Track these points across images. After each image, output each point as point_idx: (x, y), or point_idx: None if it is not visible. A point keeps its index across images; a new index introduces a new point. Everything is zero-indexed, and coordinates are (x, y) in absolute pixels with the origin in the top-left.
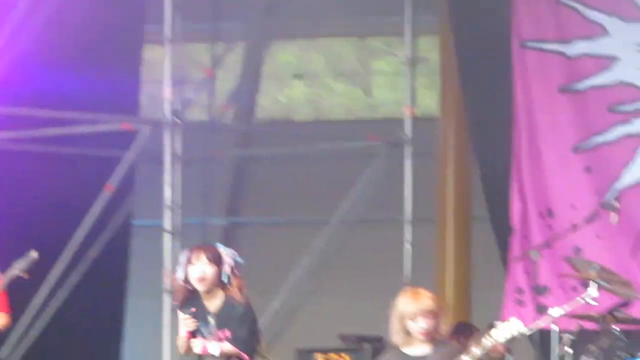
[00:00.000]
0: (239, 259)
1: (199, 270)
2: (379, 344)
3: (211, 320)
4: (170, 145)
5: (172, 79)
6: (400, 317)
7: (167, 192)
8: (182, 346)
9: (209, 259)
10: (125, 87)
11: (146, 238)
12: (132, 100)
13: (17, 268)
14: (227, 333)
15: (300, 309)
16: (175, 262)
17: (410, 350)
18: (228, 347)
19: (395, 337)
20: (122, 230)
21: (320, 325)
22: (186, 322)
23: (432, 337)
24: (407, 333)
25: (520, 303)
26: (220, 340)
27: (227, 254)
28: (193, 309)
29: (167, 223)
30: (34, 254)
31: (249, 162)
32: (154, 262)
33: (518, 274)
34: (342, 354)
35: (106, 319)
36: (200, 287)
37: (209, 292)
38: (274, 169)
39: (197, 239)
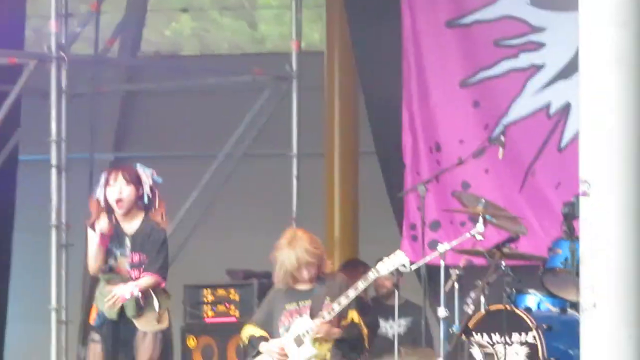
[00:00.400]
0: (158, 178)
1: (116, 191)
2: (267, 279)
3: (127, 242)
4: (56, 79)
5: (58, 13)
6: (284, 269)
7: (53, 127)
8: (92, 265)
9: (127, 179)
10: (11, 21)
11: (33, 173)
12: (17, 34)
13: None
14: (143, 257)
15: (187, 244)
16: (61, 197)
17: (296, 285)
18: (145, 281)
19: (280, 282)
20: (8, 165)
21: (208, 261)
22: (99, 225)
23: (316, 279)
24: (292, 278)
25: (414, 238)
26: (133, 262)
27: (147, 174)
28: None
29: (53, 158)
30: None
31: (135, 97)
32: (41, 197)
33: (411, 209)
34: (230, 290)
35: None
36: (118, 209)
37: (128, 214)
38: (161, 104)
39: (83, 174)
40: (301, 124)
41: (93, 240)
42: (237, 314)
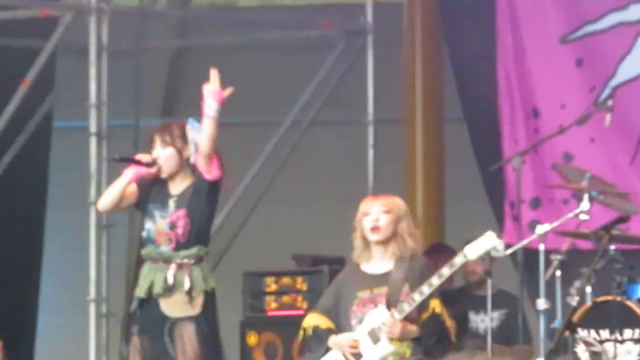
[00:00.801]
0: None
1: (155, 155)
2: (340, 265)
3: (170, 203)
4: (95, 34)
5: None
6: (358, 220)
7: (93, 89)
8: (105, 200)
9: (166, 142)
10: None
11: (68, 142)
12: None
13: None
14: (182, 212)
15: (247, 225)
16: (101, 170)
17: (369, 266)
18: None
19: (355, 250)
20: (41, 132)
21: (272, 243)
22: (141, 157)
23: (383, 235)
24: (367, 246)
25: (516, 219)
26: (171, 221)
27: (195, 130)
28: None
29: (92, 125)
30: None
31: (185, 54)
32: (78, 170)
33: (510, 185)
34: (297, 278)
35: (23, 233)
36: (161, 175)
37: (173, 177)
38: (215, 62)
39: (127, 143)
40: (377, 86)
41: (126, 174)
42: (304, 306)
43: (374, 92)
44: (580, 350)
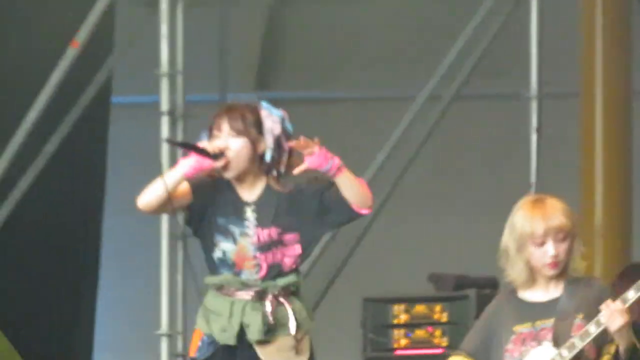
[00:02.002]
0: (288, 125)
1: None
2: (492, 289)
3: (248, 213)
4: None
5: None
6: (519, 242)
7: (164, 53)
8: (145, 197)
9: (236, 130)
10: None
11: (132, 120)
12: None
13: None
14: (277, 231)
15: (367, 235)
16: (174, 153)
17: (531, 293)
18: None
19: (511, 273)
20: (97, 108)
21: (401, 259)
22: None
23: (564, 270)
24: (529, 267)
25: None
26: (260, 242)
27: (274, 119)
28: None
29: (164, 101)
30: None
31: (284, 10)
32: (143, 152)
33: None
34: (434, 306)
35: (81, 220)
36: (226, 174)
37: (242, 179)
38: (321, 18)
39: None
40: (542, 52)
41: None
42: (444, 342)
43: (539, 60)
44: None
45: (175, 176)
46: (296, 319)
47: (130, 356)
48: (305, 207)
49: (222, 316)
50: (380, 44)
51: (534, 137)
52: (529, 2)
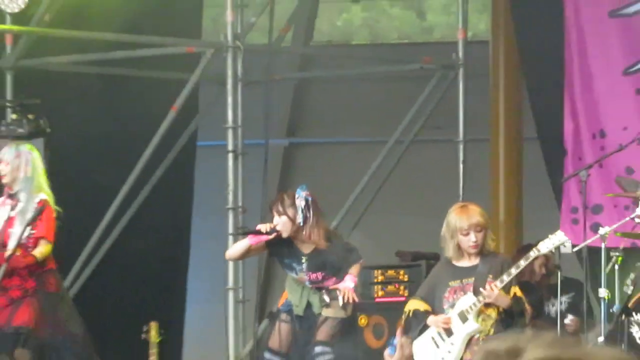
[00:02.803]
0: (307, 197)
1: (275, 222)
2: (435, 261)
3: (303, 260)
4: (232, 67)
5: (234, 3)
6: (452, 232)
7: (230, 114)
8: (232, 253)
9: (278, 212)
10: (189, 11)
11: (210, 158)
12: (195, 24)
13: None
14: (321, 275)
15: (359, 227)
16: (237, 181)
17: (460, 262)
18: (357, 270)
19: (447, 251)
20: (187, 150)
21: (379, 243)
22: (261, 227)
23: (481, 249)
24: (458, 247)
25: (575, 222)
26: (311, 279)
27: (301, 197)
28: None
29: (230, 143)
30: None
31: (307, 84)
32: (218, 182)
33: (572, 193)
34: (399, 271)
35: (172, 239)
36: (284, 235)
37: (297, 237)
38: (332, 91)
39: (258, 159)
40: (467, 111)
41: (247, 240)
42: (406, 293)
43: (464, 116)
44: (635, 330)
45: (244, 244)
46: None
47: (211, 303)
48: (337, 262)
49: (296, 294)
50: (367, 107)
51: (460, 167)
52: (458, 82)
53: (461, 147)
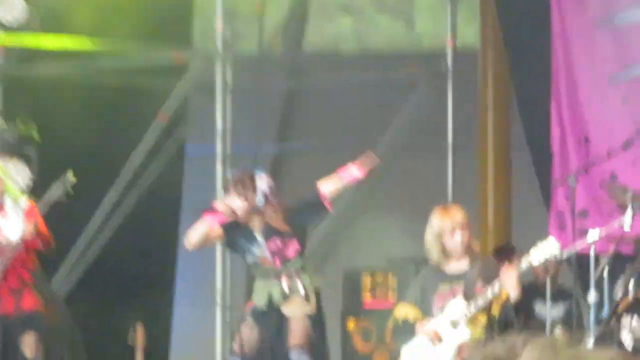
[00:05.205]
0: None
1: (231, 202)
2: (424, 264)
3: (258, 237)
4: (221, 76)
5: (223, 12)
6: (437, 234)
7: (219, 121)
8: (199, 233)
9: (238, 193)
10: (179, 20)
11: (199, 165)
12: (185, 32)
13: (55, 192)
14: (281, 240)
15: (348, 231)
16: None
17: (448, 266)
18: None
19: (433, 255)
20: (176, 157)
21: (368, 247)
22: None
23: (468, 249)
24: (444, 250)
25: (562, 227)
26: (272, 250)
27: (262, 179)
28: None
29: (218, 150)
30: (70, 177)
31: (297, 92)
32: (206, 188)
33: (559, 198)
34: (388, 274)
35: (161, 244)
36: (241, 219)
37: (251, 221)
38: (322, 99)
39: (248, 166)
40: (456, 118)
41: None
42: (394, 298)
43: (453, 123)
44: (624, 334)
45: (203, 226)
46: (304, 285)
47: (198, 307)
48: (297, 222)
49: (258, 290)
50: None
51: (449, 173)
52: (447, 90)
53: (450, 153)
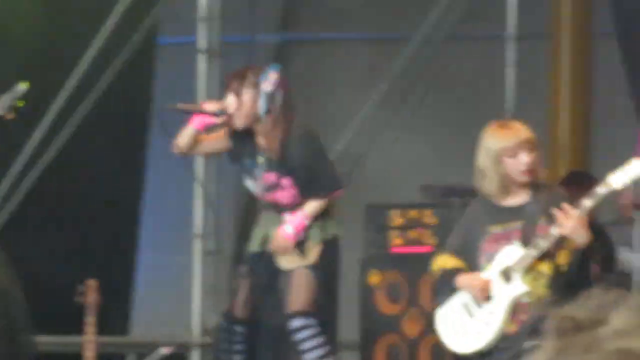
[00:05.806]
0: (277, 82)
1: (228, 101)
2: (472, 197)
3: (259, 159)
4: None
5: None
6: (495, 157)
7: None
8: (185, 137)
9: (235, 91)
10: None
11: (174, 59)
12: None
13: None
14: (282, 178)
15: (370, 153)
16: (211, 89)
17: (504, 201)
18: (313, 209)
19: (488, 187)
20: (144, 49)
21: (397, 173)
22: (206, 106)
23: (535, 176)
24: (504, 180)
25: None
26: (265, 184)
27: (268, 80)
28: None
29: (201, 40)
30: (22, 87)
31: None
32: (185, 91)
33: None
34: (425, 211)
35: (125, 157)
36: (236, 125)
37: (258, 131)
38: None
39: (240, 61)
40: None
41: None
42: (433, 241)
43: (518, 3)
44: None
45: (189, 131)
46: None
47: (170, 254)
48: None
49: (258, 227)
50: None
51: (510, 71)
52: None
53: (511, 44)
